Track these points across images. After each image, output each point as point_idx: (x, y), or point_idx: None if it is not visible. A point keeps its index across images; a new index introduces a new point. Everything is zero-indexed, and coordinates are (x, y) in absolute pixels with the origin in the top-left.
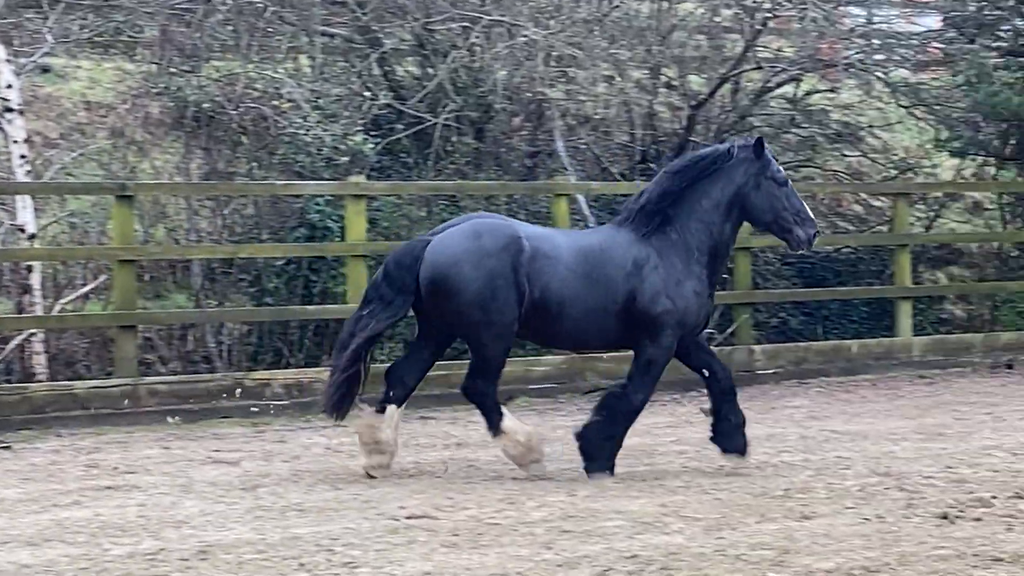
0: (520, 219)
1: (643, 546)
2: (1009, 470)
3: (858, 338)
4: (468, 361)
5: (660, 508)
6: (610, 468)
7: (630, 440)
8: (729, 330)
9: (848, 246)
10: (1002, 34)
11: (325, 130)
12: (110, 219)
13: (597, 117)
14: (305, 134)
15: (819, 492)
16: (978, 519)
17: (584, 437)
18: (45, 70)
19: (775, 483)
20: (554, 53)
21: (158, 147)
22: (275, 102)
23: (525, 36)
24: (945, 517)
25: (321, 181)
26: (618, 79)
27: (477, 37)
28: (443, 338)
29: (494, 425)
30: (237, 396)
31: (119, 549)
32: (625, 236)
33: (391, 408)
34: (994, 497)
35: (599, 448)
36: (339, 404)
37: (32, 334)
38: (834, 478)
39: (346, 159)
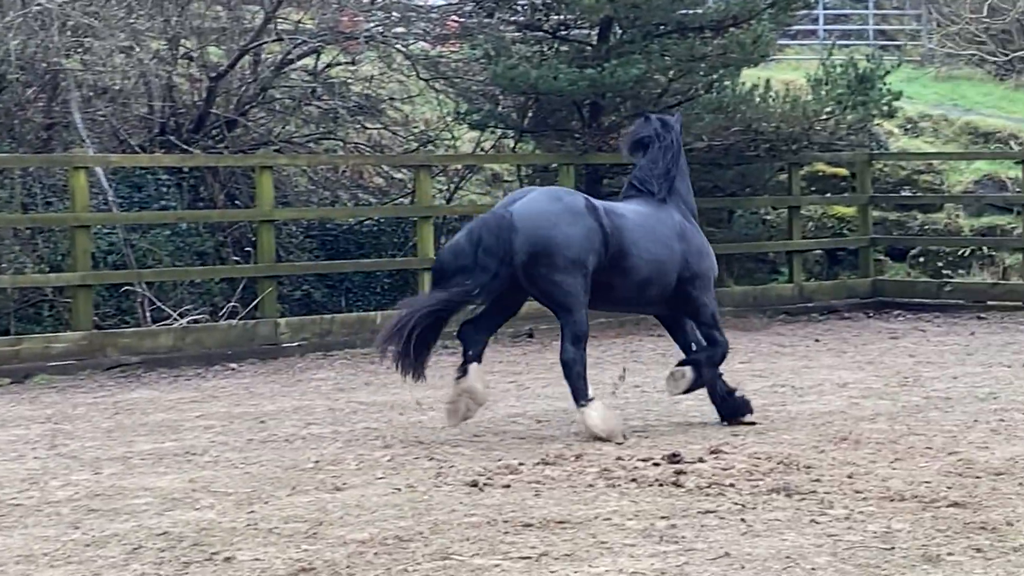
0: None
1: (174, 523)
2: (535, 437)
3: (381, 309)
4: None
5: (189, 484)
6: (745, 404)
7: (155, 416)
8: (253, 303)
9: (370, 218)
10: (519, 8)
11: None
12: None
13: (115, 88)
14: None
15: (350, 463)
16: (507, 486)
17: (722, 408)
18: None
19: (305, 455)
20: (70, 23)
21: None
22: None
23: (39, 5)
24: (475, 485)
25: None
26: (136, 50)
27: None
28: (517, 303)
29: (583, 398)
30: None
31: None
32: (657, 204)
33: (475, 366)
34: (521, 464)
35: (729, 401)
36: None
37: None
38: (364, 449)
39: None
